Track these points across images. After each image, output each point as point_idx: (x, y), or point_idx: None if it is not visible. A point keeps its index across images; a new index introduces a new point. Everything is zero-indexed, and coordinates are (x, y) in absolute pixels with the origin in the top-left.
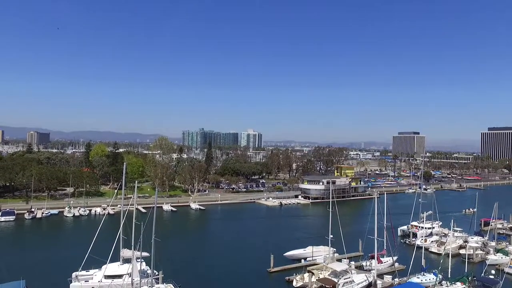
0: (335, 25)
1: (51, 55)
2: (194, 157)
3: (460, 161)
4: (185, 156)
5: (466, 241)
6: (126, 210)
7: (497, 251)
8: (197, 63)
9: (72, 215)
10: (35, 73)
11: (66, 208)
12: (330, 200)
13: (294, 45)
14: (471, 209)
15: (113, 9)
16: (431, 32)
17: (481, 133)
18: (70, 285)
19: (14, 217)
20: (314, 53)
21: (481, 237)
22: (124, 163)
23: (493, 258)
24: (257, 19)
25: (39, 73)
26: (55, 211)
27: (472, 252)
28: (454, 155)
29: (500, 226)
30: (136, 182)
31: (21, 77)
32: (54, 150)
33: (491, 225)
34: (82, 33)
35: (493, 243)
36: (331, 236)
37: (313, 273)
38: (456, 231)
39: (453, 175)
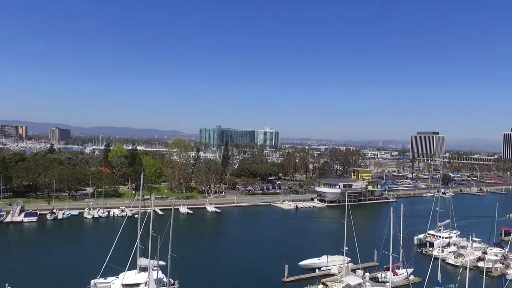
0: (351, 23)
1: (71, 52)
2: (211, 155)
3: (480, 162)
4: (202, 154)
5: (485, 253)
6: (145, 216)
7: None
8: (213, 60)
9: (91, 216)
10: (56, 70)
11: (86, 209)
12: (346, 205)
13: (312, 42)
14: None
15: (126, 7)
16: (453, 31)
17: (504, 134)
18: None
19: (36, 218)
20: (332, 50)
21: (501, 249)
22: (142, 174)
23: None
24: (277, 17)
25: (61, 70)
26: (75, 212)
27: (491, 265)
28: (475, 155)
29: None
30: (154, 193)
31: (43, 75)
32: (75, 147)
33: None
34: (100, 31)
35: None
36: (346, 248)
37: (327, 286)
38: (475, 241)
39: (473, 178)
